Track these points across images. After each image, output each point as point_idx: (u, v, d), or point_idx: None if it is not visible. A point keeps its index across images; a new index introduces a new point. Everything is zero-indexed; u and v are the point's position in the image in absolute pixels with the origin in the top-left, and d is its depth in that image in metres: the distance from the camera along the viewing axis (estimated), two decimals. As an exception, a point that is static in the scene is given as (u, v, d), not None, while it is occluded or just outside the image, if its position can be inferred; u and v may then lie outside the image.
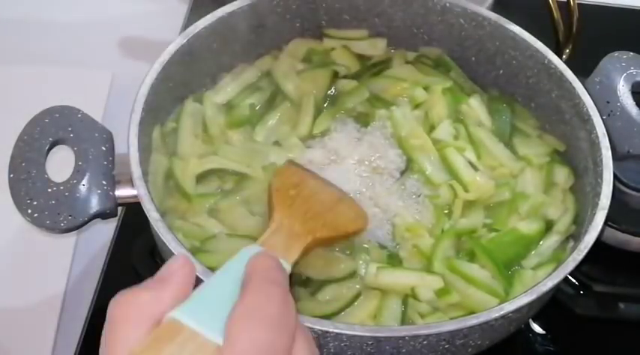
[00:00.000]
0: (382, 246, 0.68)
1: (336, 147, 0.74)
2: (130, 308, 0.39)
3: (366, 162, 0.73)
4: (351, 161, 0.73)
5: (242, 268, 0.43)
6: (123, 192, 0.65)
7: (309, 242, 0.59)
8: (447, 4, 0.78)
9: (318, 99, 0.77)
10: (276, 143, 0.74)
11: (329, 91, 0.79)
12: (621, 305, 0.79)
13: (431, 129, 0.76)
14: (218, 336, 0.38)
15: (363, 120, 0.77)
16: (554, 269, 0.62)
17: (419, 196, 0.71)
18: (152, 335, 0.38)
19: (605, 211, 0.65)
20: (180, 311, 0.39)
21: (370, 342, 0.57)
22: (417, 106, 0.77)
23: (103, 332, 0.39)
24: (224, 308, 0.39)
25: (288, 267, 0.52)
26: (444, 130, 0.75)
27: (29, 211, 0.63)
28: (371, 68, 0.81)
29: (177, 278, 0.41)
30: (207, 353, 0.38)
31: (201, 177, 0.71)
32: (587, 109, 0.71)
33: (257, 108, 0.77)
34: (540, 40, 0.75)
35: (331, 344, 0.58)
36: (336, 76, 0.79)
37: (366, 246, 0.68)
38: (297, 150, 0.73)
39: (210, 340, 0.38)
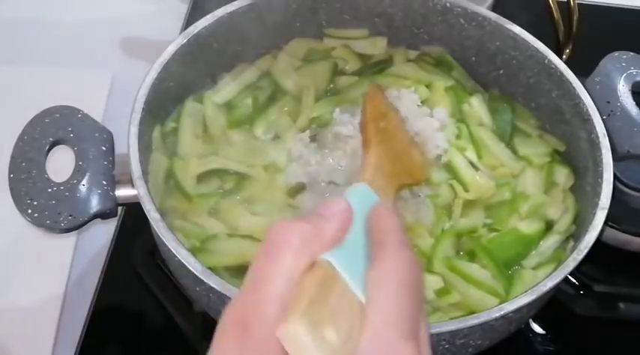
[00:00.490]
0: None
1: (332, 142, 0.74)
2: (294, 235, 0.39)
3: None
4: (348, 158, 0.73)
5: (364, 213, 0.43)
6: (123, 192, 0.65)
7: (397, 187, 0.56)
8: (448, 4, 0.78)
9: (319, 92, 0.77)
10: (276, 137, 0.74)
11: (330, 85, 0.78)
12: (621, 305, 0.79)
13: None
14: (360, 292, 0.39)
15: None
16: (554, 269, 0.62)
17: (419, 196, 0.71)
18: (312, 277, 0.39)
19: (605, 211, 0.65)
20: (336, 256, 0.40)
21: (370, 342, 0.57)
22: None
23: (260, 253, 0.39)
24: (361, 261, 0.40)
25: (365, 188, 0.50)
26: (447, 129, 0.75)
27: (29, 211, 0.63)
28: (372, 66, 0.81)
29: (337, 221, 0.41)
30: (355, 309, 0.39)
31: (202, 177, 0.71)
32: (587, 109, 0.71)
33: (257, 105, 0.76)
34: (540, 40, 0.75)
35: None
36: (336, 71, 0.79)
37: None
38: (298, 141, 0.73)
39: (356, 295, 0.39)
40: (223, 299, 0.59)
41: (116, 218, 0.70)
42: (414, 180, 0.63)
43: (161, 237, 0.60)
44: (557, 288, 0.63)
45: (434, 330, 0.57)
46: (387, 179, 0.54)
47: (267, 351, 0.37)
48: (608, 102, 0.75)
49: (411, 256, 0.41)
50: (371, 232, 0.43)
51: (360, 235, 0.43)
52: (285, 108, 0.77)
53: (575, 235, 0.69)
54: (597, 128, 0.70)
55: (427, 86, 0.78)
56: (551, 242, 0.69)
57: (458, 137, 0.75)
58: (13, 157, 0.65)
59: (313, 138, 0.74)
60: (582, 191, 0.71)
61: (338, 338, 0.37)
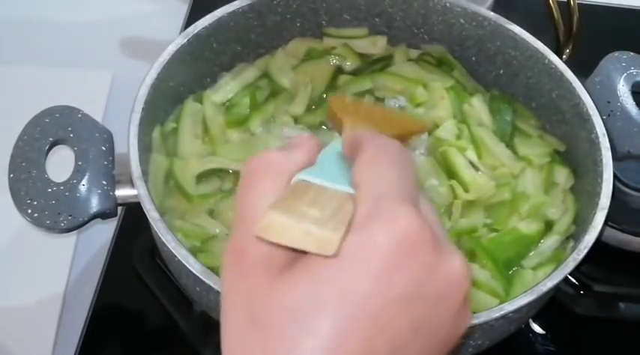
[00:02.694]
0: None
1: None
2: (267, 163, 0.40)
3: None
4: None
5: (340, 151, 0.44)
6: (123, 192, 0.65)
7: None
8: (448, 4, 0.78)
9: (317, 91, 0.77)
10: (272, 133, 0.74)
11: (329, 86, 0.78)
12: (621, 305, 0.79)
13: (433, 127, 0.76)
14: (345, 188, 0.39)
15: None
16: (554, 270, 0.62)
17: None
18: (285, 191, 0.39)
19: (605, 211, 0.65)
20: (307, 172, 0.40)
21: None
22: (417, 105, 0.77)
23: (241, 186, 0.40)
24: (344, 173, 0.41)
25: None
26: (448, 130, 0.75)
27: (29, 211, 0.63)
28: (372, 64, 0.81)
29: (305, 145, 0.42)
30: (339, 200, 0.38)
31: (202, 177, 0.71)
32: (587, 109, 0.71)
33: (255, 104, 0.76)
34: (540, 40, 0.75)
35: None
36: (337, 72, 0.79)
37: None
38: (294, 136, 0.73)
39: (340, 190, 0.39)
40: (223, 300, 0.59)
41: (116, 218, 0.70)
42: (406, 129, 0.61)
43: (161, 237, 0.60)
44: (557, 288, 0.63)
45: (434, 330, 0.57)
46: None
47: (264, 266, 0.37)
48: (608, 102, 0.75)
49: (394, 142, 0.41)
50: (347, 149, 0.43)
51: (334, 158, 0.43)
52: (283, 106, 0.77)
53: (575, 235, 0.69)
54: (597, 128, 0.69)
55: (424, 86, 0.78)
56: (551, 242, 0.69)
57: (458, 137, 0.75)
58: (13, 157, 0.65)
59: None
60: (582, 191, 0.71)
61: (321, 214, 0.36)
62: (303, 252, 0.36)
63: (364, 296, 0.35)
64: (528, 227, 0.69)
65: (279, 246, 0.36)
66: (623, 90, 0.76)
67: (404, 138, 0.63)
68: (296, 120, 0.76)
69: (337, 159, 0.43)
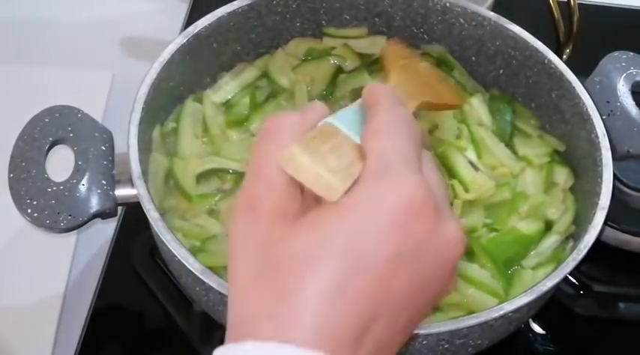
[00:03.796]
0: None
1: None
2: (283, 121, 0.43)
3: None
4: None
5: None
6: (123, 191, 0.65)
7: (421, 103, 0.58)
8: (447, 4, 0.78)
9: (316, 90, 0.77)
10: None
11: (329, 86, 0.78)
12: (621, 305, 0.79)
13: (433, 127, 0.76)
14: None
15: None
16: (554, 269, 0.62)
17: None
18: (313, 130, 0.43)
19: (605, 211, 0.65)
20: (336, 118, 0.44)
21: (370, 342, 0.57)
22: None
23: (259, 140, 0.43)
24: (358, 126, 0.44)
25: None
26: (448, 130, 0.75)
27: (29, 211, 0.63)
28: (372, 64, 0.81)
29: (318, 110, 0.46)
30: (355, 154, 0.42)
31: (201, 177, 0.71)
32: (587, 109, 0.71)
33: (254, 104, 0.76)
34: (540, 40, 0.75)
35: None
36: (337, 72, 0.79)
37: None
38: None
39: (359, 144, 0.43)
40: (223, 299, 0.59)
41: (116, 218, 0.70)
42: (447, 101, 0.65)
43: (161, 236, 0.60)
44: (556, 288, 0.63)
45: (433, 330, 0.57)
46: (410, 96, 0.56)
47: (277, 214, 0.40)
48: (608, 102, 0.75)
49: (404, 111, 0.45)
50: (365, 101, 0.47)
51: (355, 112, 0.47)
52: (282, 105, 0.77)
53: (574, 235, 0.69)
54: (597, 128, 0.69)
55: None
56: (550, 242, 0.69)
57: (458, 137, 0.75)
58: (12, 157, 0.65)
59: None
60: (582, 191, 0.71)
61: (338, 163, 0.40)
62: (314, 202, 0.41)
63: (369, 249, 0.38)
64: (528, 227, 0.69)
65: (292, 195, 0.41)
66: (623, 90, 0.76)
67: (438, 106, 0.65)
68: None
69: (361, 113, 0.46)
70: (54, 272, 0.76)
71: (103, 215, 0.65)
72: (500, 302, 0.62)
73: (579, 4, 0.84)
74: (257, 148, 0.43)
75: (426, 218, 0.40)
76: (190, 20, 0.88)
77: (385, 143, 0.42)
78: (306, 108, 0.46)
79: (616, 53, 0.79)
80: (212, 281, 0.58)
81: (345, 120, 0.45)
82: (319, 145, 0.41)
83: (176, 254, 0.59)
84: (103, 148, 0.67)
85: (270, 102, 0.77)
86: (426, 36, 0.82)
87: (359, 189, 0.40)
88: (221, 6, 0.75)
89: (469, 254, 0.68)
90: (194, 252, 0.63)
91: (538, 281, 0.61)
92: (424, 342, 0.58)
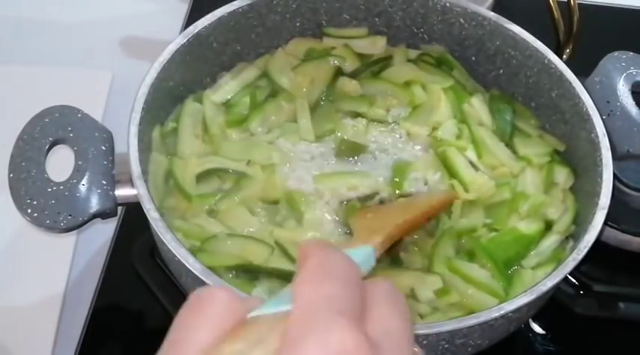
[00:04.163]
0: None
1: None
2: (215, 299, 0.41)
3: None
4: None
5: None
6: (123, 191, 0.65)
7: (393, 228, 0.60)
8: (447, 4, 0.78)
9: (315, 93, 0.77)
10: (271, 133, 0.75)
11: (329, 87, 0.78)
12: (621, 305, 0.79)
13: (433, 128, 0.76)
14: (286, 306, 0.37)
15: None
16: (554, 269, 0.62)
17: (419, 196, 0.71)
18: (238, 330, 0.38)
19: (605, 211, 0.65)
20: (261, 308, 0.39)
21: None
22: (416, 107, 0.77)
23: (180, 318, 0.41)
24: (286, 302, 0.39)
25: (369, 250, 0.49)
26: (448, 130, 0.75)
27: (29, 211, 0.63)
28: (371, 65, 0.81)
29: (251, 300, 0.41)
30: (273, 322, 0.37)
31: (201, 177, 0.71)
32: (587, 109, 0.71)
33: (254, 103, 0.76)
34: (540, 40, 0.75)
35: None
36: (337, 73, 0.79)
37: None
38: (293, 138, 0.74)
39: (279, 311, 0.37)
40: (223, 299, 0.59)
41: (116, 218, 0.70)
42: (425, 208, 0.67)
43: (161, 236, 0.60)
44: (556, 288, 0.63)
45: (434, 330, 0.57)
46: (376, 231, 0.58)
47: None
48: (608, 102, 0.75)
49: (332, 250, 0.39)
50: (298, 261, 0.40)
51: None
52: (282, 105, 0.76)
53: (574, 235, 0.69)
54: (597, 128, 0.69)
55: (423, 88, 0.78)
56: (550, 242, 0.69)
57: (458, 137, 0.75)
58: (12, 157, 0.65)
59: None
60: (582, 191, 0.71)
61: (247, 344, 0.36)
62: None
63: None
64: (528, 226, 0.69)
65: None
66: (623, 90, 0.76)
67: (435, 213, 0.68)
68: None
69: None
70: (54, 272, 0.76)
71: (103, 215, 0.65)
72: (500, 302, 0.62)
73: (579, 4, 0.84)
74: (180, 315, 0.40)
75: None
76: (190, 20, 0.88)
77: (312, 287, 0.36)
78: (246, 297, 0.42)
79: (616, 53, 0.79)
80: (212, 281, 0.58)
81: (275, 300, 0.39)
82: (227, 342, 0.37)
83: (176, 254, 0.59)
84: (103, 148, 0.67)
85: (270, 101, 0.77)
86: (426, 36, 0.82)
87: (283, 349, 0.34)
88: (221, 6, 0.75)
89: (469, 254, 0.68)
90: (194, 252, 0.63)
91: (538, 281, 0.61)
92: (424, 342, 0.59)
